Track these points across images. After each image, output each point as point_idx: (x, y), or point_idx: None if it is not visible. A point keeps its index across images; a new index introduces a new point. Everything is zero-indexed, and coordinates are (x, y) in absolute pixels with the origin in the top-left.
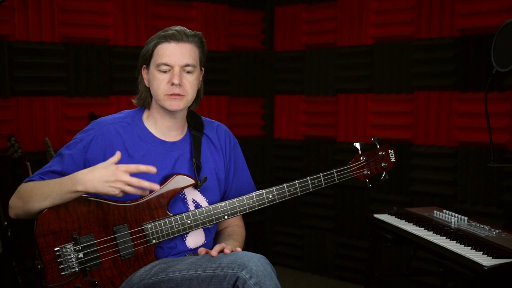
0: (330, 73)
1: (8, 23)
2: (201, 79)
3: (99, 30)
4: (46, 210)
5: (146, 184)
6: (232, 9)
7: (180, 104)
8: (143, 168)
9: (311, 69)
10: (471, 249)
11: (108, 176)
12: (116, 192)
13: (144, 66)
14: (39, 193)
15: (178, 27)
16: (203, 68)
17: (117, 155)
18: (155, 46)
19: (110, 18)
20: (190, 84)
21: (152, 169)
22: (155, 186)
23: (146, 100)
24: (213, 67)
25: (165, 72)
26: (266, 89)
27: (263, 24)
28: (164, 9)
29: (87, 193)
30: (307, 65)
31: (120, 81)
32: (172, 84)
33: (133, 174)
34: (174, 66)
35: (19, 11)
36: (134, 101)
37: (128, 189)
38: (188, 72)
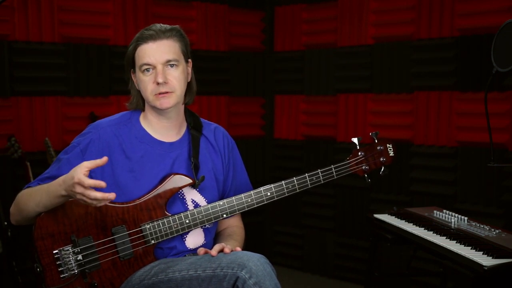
0: (330, 73)
1: (8, 23)
2: (190, 70)
3: (99, 30)
4: (44, 213)
5: (98, 195)
6: (232, 9)
7: (170, 101)
8: (89, 165)
9: (311, 69)
10: (471, 249)
11: (70, 181)
12: (77, 196)
13: (132, 70)
14: (32, 199)
15: (154, 26)
16: (189, 60)
17: (102, 160)
18: (134, 49)
19: (110, 18)
20: (176, 79)
21: (104, 159)
22: (110, 196)
23: (139, 103)
24: (213, 67)
25: (149, 71)
26: (266, 89)
27: (263, 24)
28: (164, 9)
29: (70, 196)
30: (307, 65)
31: (120, 81)
32: (158, 83)
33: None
34: (156, 65)
35: (19, 11)
36: (127, 104)
37: (83, 198)
38: (172, 66)
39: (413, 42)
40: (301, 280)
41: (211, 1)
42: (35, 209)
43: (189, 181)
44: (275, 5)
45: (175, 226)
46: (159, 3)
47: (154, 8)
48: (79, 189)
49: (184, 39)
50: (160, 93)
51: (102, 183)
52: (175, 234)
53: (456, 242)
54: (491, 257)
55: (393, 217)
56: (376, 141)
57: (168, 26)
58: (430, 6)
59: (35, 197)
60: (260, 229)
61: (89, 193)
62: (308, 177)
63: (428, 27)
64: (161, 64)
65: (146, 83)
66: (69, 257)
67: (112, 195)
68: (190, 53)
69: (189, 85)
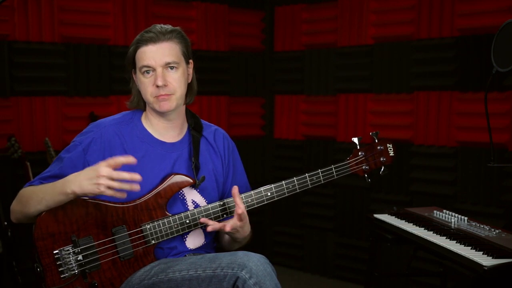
0: (330, 73)
1: (8, 23)
2: (191, 71)
3: (99, 30)
4: (44, 213)
5: (126, 175)
6: (232, 9)
7: (170, 105)
8: (122, 159)
9: (311, 69)
10: (471, 249)
11: (92, 173)
12: (101, 189)
13: (133, 70)
14: (35, 197)
15: (154, 28)
16: (191, 61)
17: (125, 159)
18: (135, 51)
19: (110, 18)
20: (176, 81)
21: (131, 159)
22: (136, 176)
23: (140, 103)
24: (213, 67)
25: (149, 73)
26: (266, 89)
27: (263, 24)
28: (164, 9)
29: (77, 194)
30: (307, 65)
31: (120, 81)
32: (157, 86)
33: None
34: (156, 68)
35: (19, 11)
36: (127, 103)
37: (112, 183)
38: (172, 69)
39: (413, 42)
40: (301, 280)
41: (211, 1)
42: (36, 206)
43: (190, 181)
44: (275, 5)
45: (175, 226)
46: (159, 3)
47: (154, 8)
48: (104, 170)
49: (184, 41)
50: (160, 96)
51: (133, 159)
52: (175, 234)
53: (456, 242)
54: (491, 257)
55: (393, 217)
56: (376, 141)
57: (169, 28)
58: (430, 6)
59: (38, 194)
60: (260, 229)
61: (118, 173)
62: (309, 177)
63: (428, 27)
64: (161, 67)
65: (146, 85)
66: (69, 257)
67: (137, 176)
68: (191, 53)
69: (189, 86)
